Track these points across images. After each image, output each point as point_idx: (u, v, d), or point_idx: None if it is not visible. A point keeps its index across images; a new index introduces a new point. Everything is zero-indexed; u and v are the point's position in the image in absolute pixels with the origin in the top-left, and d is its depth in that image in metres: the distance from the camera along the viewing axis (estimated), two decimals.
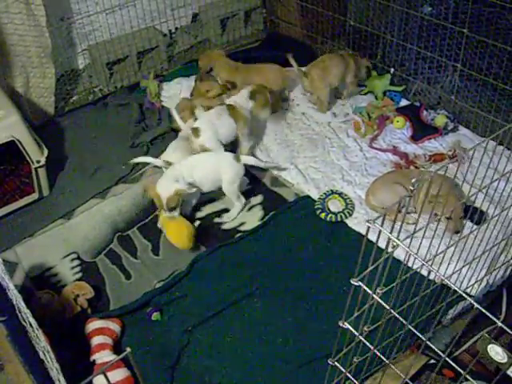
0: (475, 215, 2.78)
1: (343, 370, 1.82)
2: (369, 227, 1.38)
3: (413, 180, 1.37)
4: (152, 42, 4.40)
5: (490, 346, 1.25)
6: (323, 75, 3.71)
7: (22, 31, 3.50)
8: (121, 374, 2.26)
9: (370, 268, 1.48)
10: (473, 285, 2.45)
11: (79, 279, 2.83)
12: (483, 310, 1.24)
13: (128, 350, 1.28)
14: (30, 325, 1.64)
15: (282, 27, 4.82)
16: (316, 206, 3.11)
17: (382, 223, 1.38)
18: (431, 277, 2.47)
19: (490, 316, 1.17)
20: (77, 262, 2.94)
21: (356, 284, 1.48)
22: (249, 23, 4.92)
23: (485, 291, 2.56)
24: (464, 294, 1.30)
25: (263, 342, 2.48)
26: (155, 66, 4.47)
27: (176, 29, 4.57)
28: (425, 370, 2.40)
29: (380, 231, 1.39)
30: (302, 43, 4.59)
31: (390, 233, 1.44)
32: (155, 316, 2.61)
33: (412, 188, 1.37)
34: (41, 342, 1.53)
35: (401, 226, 1.58)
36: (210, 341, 2.50)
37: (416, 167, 3.29)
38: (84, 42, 4.10)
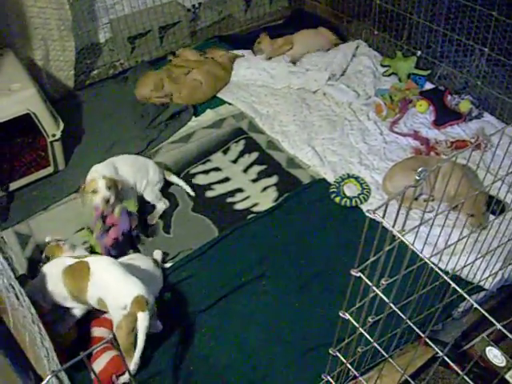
0: (496, 207, 2.69)
1: (344, 360, 1.78)
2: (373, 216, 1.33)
3: (419, 169, 1.30)
4: (174, 17, 4.34)
5: (488, 349, 1.19)
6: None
7: (42, 3, 3.47)
8: (110, 354, 2.27)
9: (372, 259, 1.43)
10: (487, 278, 2.38)
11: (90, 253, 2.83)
12: (485, 313, 1.18)
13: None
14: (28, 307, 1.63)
15: (308, 4, 4.73)
16: (331, 190, 3.05)
17: (384, 214, 1.32)
18: (441, 267, 2.41)
19: (491, 319, 1.11)
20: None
21: (356, 275, 1.44)
22: (274, 0, 4.83)
23: (499, 285, 2.49)
24: (465, 295, 1.23)
25: (269, 327, 2.45)
26: (177, 42, 4.42)
27: (199, 4, 4.50)
28: (433, 363, 2.35)
29: (387, 217, 1.33)
30: (327, 21, 4.49)
31: (394, 222, 1.39)
32: (166, 296, 2.59)
33: (417, 178, 1.30)
34: (36, 326, 1.51)
35: (406, 215, 1.51)
36: (216, 323, 2.48)
37: (437, 153, 3.19)
38: (105, 16, 4.05)
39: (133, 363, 2.17)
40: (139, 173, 3.02)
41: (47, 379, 0.96)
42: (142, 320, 2.14)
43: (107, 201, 2.71)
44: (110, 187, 2.72)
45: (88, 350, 1.02)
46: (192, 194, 3.13)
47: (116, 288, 2.21)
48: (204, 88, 3.85)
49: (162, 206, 3.05)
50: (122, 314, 2.16)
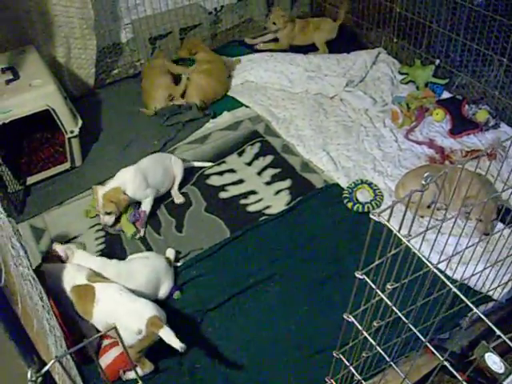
0: (507, 216, 2.68)
1: (347, 363, 1.79)
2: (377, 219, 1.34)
3: (425, 175, 1.31)
4: (195, 19, 4.39)
5: (487, 355, 1.19)
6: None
7: (65, 2, 3.54)
8: (118, 350, 2.29)
9: (376, 262, 1.44)
10: (496, 288, 2.37)
11: (102, 250, 2.87)
12: (490, 324, 1.18)
13: None
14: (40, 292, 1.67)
15: (329, 11, 4.73)
16: (344, 195, 3.06)
17: (389, 218, 1.33)
18: (450, 275, 2.41)
19: (496, 330, 1.11)
20: (101, 234, 2.98)
21: (360, 277, 1.44)
22: (295, 5, 4.86)
23: (509, 296, 2.47)
24: (470, 305, 1.23)
25: (276, 328, 2.46)
26: None
27: (222, 7, 4.54)
28: (440, 371, 2.34)
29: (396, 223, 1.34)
30: (346, 28, 4.50)
31: (400, 226, 1.39)
32: (176, 295, 2.61)
33: (423, 183, 1.31)
34: (46, 314, 1.54)
35: (412, 220, 1.52)
36: (223, 322, 2.50)
37: (451, 162, 3.18)
38: (128, 17, 4.11)
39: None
40: (167, 171, 3.18)
41: (50, 363, 0.99)
42: (167, 335, 2.09)
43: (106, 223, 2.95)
44: (110, 212, 2.89)
45: (90, 338, 1.05)
46: (208, 164, 3.38)
47: (126, 315, 2.18)
48: (209, 86, 3.90)
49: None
50: (136, 339, 2.15)
